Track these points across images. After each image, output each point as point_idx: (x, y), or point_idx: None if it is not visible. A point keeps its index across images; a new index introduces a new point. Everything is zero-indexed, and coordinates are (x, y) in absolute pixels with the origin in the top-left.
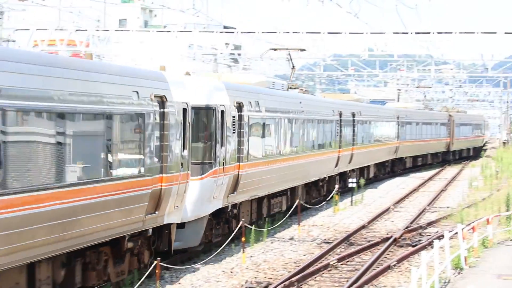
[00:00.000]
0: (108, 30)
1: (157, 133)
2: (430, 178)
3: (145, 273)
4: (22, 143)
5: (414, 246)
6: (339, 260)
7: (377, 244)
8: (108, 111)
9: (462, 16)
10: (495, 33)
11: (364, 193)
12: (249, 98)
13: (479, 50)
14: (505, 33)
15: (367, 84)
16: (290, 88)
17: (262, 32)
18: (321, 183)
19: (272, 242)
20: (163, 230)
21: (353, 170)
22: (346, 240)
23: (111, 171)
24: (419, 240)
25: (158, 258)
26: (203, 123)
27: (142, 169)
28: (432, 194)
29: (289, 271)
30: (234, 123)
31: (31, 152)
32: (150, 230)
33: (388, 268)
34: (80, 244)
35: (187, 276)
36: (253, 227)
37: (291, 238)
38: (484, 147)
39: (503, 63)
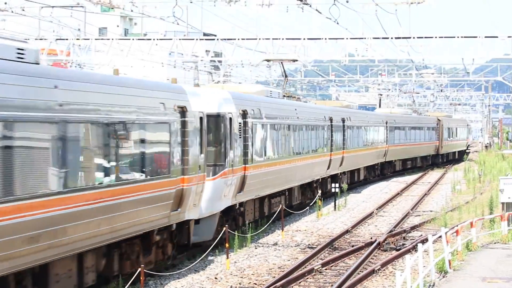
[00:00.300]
0: (88, 39)
1: (179, 139)
2: (413, 182)
3: (129, 281)
4: (88, 150)
5: (398, 250)
6: (323, 265)
7: (361, 248)
8: (142, 121)
9: (442, 21)
10: (476, 37)
11: (347, 198)
12: (252, 106)
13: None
14: (486, 37)
15: (348, 90)
16: (285, 96)
17: (242, 39)
18: (314, 185)
19: (256, 248)
20: (183, 225)
21: (344, 173)
22: (330, 245)
23: (145, 173)
24: (403, 244)
25: (142, 265)
26: (215, 129)
27: (169, 171)
28: (416, 198)
29: (274, 276)
30: (240, 129)
31: (86, 155)
32: (174, 225)
33: (373, 272)
34: (119, 237)
35: (172, 283)
36: (236, 233)
37: (275, 244)
38: (467, 150)
39: (484, 67)
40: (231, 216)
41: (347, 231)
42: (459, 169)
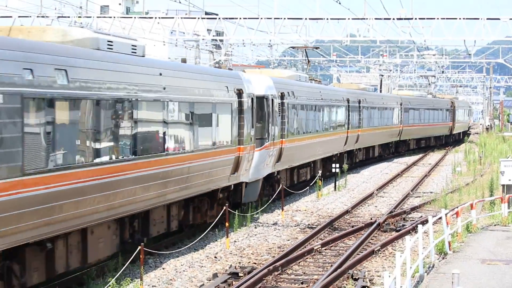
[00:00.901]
0: (90, 17)
1: (237, 116)
2: (414, 164)
3: (129, 259)
4: (180, 124)
5: (398, 231)
6: (323, 245)
7: (360, 229)
8: (213, 101)
9: (444, 2)
10: (478, 19)
11: (347, 178)
12: (287, 89)
13: (461, 36)
14: (488, 19)
15: (349, 70)
16: (310, 79)
17: (244, 18)
18: (334, 159)
19: (255, 227)
20: (238, 187)
21: (359, 149)
22: (330, 225)
23: (215, 142)
24: (403, 225)
25: (142, 244)
26: (260, 109)
27: (230, 141)
28: (416, 179)
29: (273, 256)
30: (279, 109)
31: (178, 127)
32: (232, 186)
33: (372, 253)
34: (195, 193)
35: (171, 261)
36: (236, 212)
37: (275, 223)
38: (468, 132)
39: (485, 49)
40: (270, 182)
41: (347, 212)
42: (460, 151)
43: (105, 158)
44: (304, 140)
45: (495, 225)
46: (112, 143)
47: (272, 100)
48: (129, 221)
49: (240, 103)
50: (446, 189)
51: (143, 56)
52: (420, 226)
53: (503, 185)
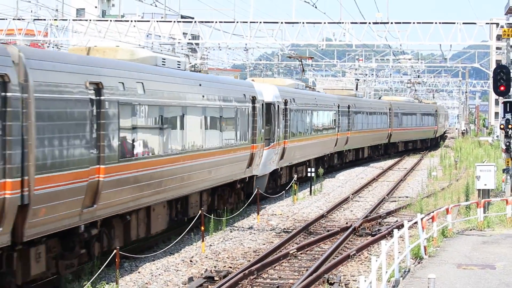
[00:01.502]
0: (66, 20)
1: (251, 119)
2: (389, 168)
3: (105, 262)
4: (214, 124)
5: (373, 235)
6: (299, 249)
7: (336, 233)
8: (235, 106)
9: (420, 6)
10: (454, 23)
11: (323, 183)
12: (290, 96)
13: (437, 40)
14: (464, 23)
15: (325, 74)
16: (306, 87)
17: (220, 22)
18: (325, 159)
19: (231, 231)
20: (250, 180)
21: (349, 150)
22: (306, 229)
23: (236, 140)
24: (379, 230)
25: (117, 247)
26: (268, 113)
27: (246, 140)
28: (391, 183)
29: (249, 260)
30: (283, 113)
31: (212, 128)
32: (247, 178)
33: (348, 257)
34: (220, 182)
35: (147, 265)
36: (212, 216)
37: (250, 227)
38: (445, 135)
39: (461, 53)
40: (273, 177)
41: (322, 216)
42: (435, 155)
43: (164, 151)
44: (302, 141)
45: (470, 230)
46: (169, 139)
47: (278, 106)
48: (175, 203)
49: (254, 108)
50: (422, 193)
51: (185, 70)
52: (395, 230)
53: (478, 190)
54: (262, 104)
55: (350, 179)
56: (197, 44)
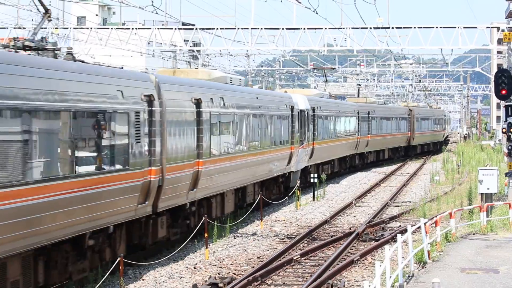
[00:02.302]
0: (67, 28)
1: (290, 124)
2: (392, 173)
3: (108, 270)
4: (267, 129)
5: (377, 240)
6: (302, 255)
7: (340, 239)
8: (280, 114)
9: (421, 11)
10: (455, 27)
11: (326, 188)
12: (316, 104)
13: (438, 45)
14: (465, 27)
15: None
16: (330, 96)
17: (221, 29)
18: (347, 159)
19: (235, 238)
20: (289, 175)
21: (370, 152)
22: (309, 235)
23: (281, 141)
24: (382, 235)
25: (121, 255)
26: (301, 119)
27: (287, 142)
28: (394, 188)
29: (253, 267)
30: (311, 119)
31: (266, 131)
32: (287, 173)
33: (352, 262)
34: (269, 176)
35: (151, 272)
36: (215, 223)
37: (254, 234)
38: (447, 140)
39: (462, 57)
40: (304, 174)
41: (326, 222)
42: (438, 160)
43: (235, 149)
44: (327, 143)
45: (474, 234)
46: (239, 140)
47: (308, 113)
48: (238, 191)
49: (292, 115)
50: (425, 198)
51: (245, 86)
52: (399, 235)
53: (481, 194)
54: (298, 112)
55: (353, 185)
56: (198, 51)
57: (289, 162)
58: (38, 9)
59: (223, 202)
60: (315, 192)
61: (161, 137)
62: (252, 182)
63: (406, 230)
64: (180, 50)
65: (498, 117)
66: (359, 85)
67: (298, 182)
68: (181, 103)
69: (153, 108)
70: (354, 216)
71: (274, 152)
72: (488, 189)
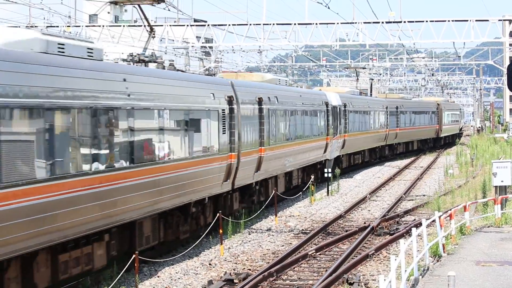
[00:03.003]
0: (79, 26)
1: (326, 118)
2: (406, 167)
3: (123, 267)
4: (306, 121)
5: (391, 234)
6: (317, 250)
7: (354, 233)
8: (318, 109)
9: (433, 4)
10: (467, 20)
11: (340, 183)
12: (348, 101)
13: (451, 38)
14: (477, 20)
15: (339, 75)
16: (360, 93)
17: (233, 25)
18: (377, 150)
19: (249, 234)
20: (324, 162)
21: (399, 144)
22: (324, 230)
23: (319, 132)
24: (397, 229)
25: (136, 252)
26: (334, 114)
27: (324, 133)
28: (408, 182)
29: (268, 262)
30: (343, 114)
31: (306, 124)
32: (323, 160)
33: (367, 257)
34: (308, 163)
35: (166, 269)
36: (230, 219)
37: (269, 229)
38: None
39: (475, 50)
40: (337, 162)
41: (340, 216)
42: (451, 153)
43: (287, 138)
44: (357, 135)
45: (488, 227)
46: (290, 131)
47: (339, 108)
48: (287, 175)
49: (327, 110)
50: (439, 191)
51: (290, 86)
52: (414, 229)
53: (495, 187)
54: (331, 107)
55: (367, 179)
56: (210, 47)
57: (325, 151)
58: (144, 26)
59: (277, 183)
60: (329, 186)
61: (237, 129)
62: (297, 168)
63: (420, 224)
64: (193, 46)
65: (511, 110)
66: (372, 79)
67: (313, 177)
68: (249, 102)
69: (232, 106)
70: (369, 211)
71: (314, 142)
72: (502, 181)
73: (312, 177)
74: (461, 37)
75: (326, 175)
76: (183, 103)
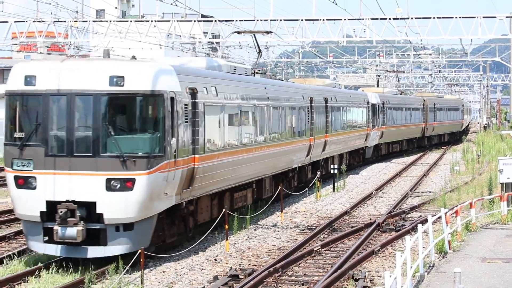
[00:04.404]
0: (86, 21)
1: (366, 112)
2: (412, 163)
3: (129, 262)
4: (355, 116)
5: (397, 231)
6: (323, 246)
7: (360, 229)
8: (361, 106)
9: (440, 1)
10: (474, 17)
11: (346, 179)
12: (387, 99)
13: (458, 35)
14: (484, 17)
15: (346, 71)
16: (400, 92)
17: (240, 20)
18: (414, 141)
19: (255, 229)
20: (365, 149)
21: (435, 135)
22: (329, 226)
23: (361, 124)
24: (402, 225)
25: (142, 247)
26: (373, 110)
27: (365, 124)
28: (414, 179)
29: (273, 258)
30: (381, 110)
31: (355, 118)
32: (365, 147)
33: (372, 253)
34: (354, 148)
35: (171, 264)
36: (236, 215)
37: (274, 225)
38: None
39: (482, 47)
40: (376, 149)
41: (346, 212)
42: (458, 150)
43: (334, 130)
44: (395, 127)
45: (494, 224)
46: (338, 124)
47: (378, 105)
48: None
49: (367, 107)
50: (445, 188)
51: (343, 88)
52: (419, 225)
53: (502, 184)
54: (372, 104)
55: (373, 175)
56: (217, 43)
57: (366, 139)
58: (254, 47)
59: (333, 161)
60: (335, 183)
61: (315, 120)
62: (346, 151)
63: (426, 220)
64: (200, 42)
65: None
66: (379, 75)
67: (319, 173)
68: (319, 101)
69: (312, 104)
70: (375, 207)
71: (358, 132)
72: (508, 178)
73: (318, 173)
74: (468, 34)
75: (331, 171)
76: (291, 102)
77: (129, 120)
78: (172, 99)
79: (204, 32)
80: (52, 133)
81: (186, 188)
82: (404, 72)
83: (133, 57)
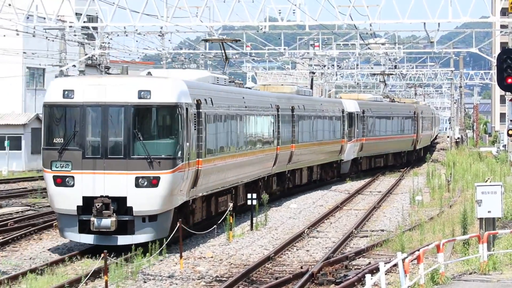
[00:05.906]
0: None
1: (342, 123)
2: (358, 192)
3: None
4: (330, 126)
5: (338, 283)
6: None
7: (288, 281)
8: (335, 115)
9: None
10: None
11: (268, 213)
12: (367, 107)
13: (420, 18)
14: None
15: (269, 66)
16: (385, 99)
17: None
18: (402, 155)
19: (145, 282)
20: (340, 162)
21: (421, 149)
22: (246, 277)
23: (334, 136)
24: (345, 276)
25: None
26: (350, 119)
27: (339, 136)
28: (361, 212)
29: None
30: (361, 119)
31: (332, 127)
32: (339, 161)
33: None
34: (326, 161)
35: None
36: (118, 261)
37: (171, 276)
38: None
39: (453, 34)
40: (355, 163)
41: (268, 258)
42: (420, 174)
43: (312, 139)
44: (377, 139)
45: (470, 274)
46: (314, 133)
47: (357, 114)
48: (309, 169)
49: (343, 116)
50: (403, 225)
51: (310, 96)
52: (368, 276)
53: (480, 219)
54: (347, 114)
55: (305, 208)
56: (95, 28)
57: (340, 153)
58: (221, 56)
59: (301, 175)
60: (254, 218)
61: (279, 128)
62: (315, 165)
63: (377, 269)
64: (71, 27)
65: (502, 115)
66: (313, 73)
67: (231, 204)
68: (286, 109)
69: (279, 113)
70: (307, 251)
71: (330, 144)
72: (489, 212)
73: (231, 204)
74: (434, 17)
75: (249, 201)
76: (262, 111)
77: (155, 127)
78: (187, 109)
79: (76, 14)
80: (89, 138)
81: (192, 188)
82: (348, 68)
83: (149, 73)
